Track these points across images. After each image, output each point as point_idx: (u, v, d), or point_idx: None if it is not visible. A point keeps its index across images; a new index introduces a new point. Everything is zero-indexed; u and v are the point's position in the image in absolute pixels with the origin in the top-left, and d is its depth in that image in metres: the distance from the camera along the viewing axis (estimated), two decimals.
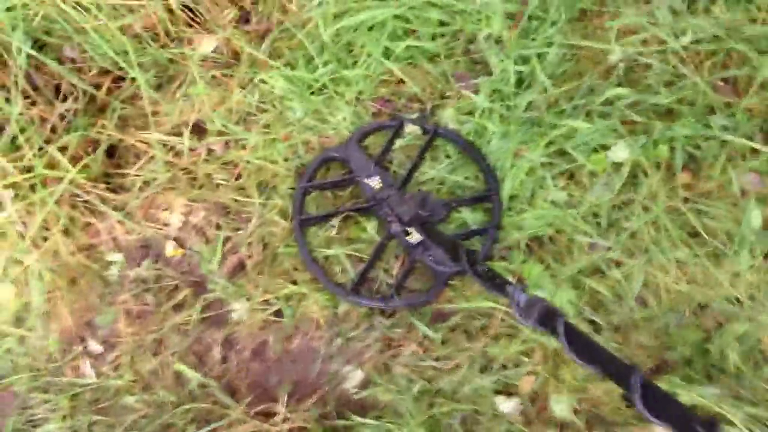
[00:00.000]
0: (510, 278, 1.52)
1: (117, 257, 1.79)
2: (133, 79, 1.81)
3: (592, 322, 1.66)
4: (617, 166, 1.74)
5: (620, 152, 1.76)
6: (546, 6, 1.89)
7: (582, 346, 1.18)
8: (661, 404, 1.03)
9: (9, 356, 1.72)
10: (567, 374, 1.64)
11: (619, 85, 1.80)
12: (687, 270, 1.67)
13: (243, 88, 1.88)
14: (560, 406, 1.64)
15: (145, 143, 1.82)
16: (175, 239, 1.82)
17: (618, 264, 1.70)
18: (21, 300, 1.70)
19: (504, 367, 1.66)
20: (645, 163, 1.73)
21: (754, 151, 1.73)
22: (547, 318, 1.23)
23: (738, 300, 1.64)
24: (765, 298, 1.64)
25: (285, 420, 1.63)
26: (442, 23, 1.90)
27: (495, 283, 1.42)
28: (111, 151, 1.86)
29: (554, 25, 1.86)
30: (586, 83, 1.80)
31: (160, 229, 1.81)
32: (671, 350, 1.65)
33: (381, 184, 1.78)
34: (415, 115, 1.88)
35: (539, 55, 1.84)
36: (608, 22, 1.83)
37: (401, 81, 1.89)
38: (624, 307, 1.66)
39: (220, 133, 1.87)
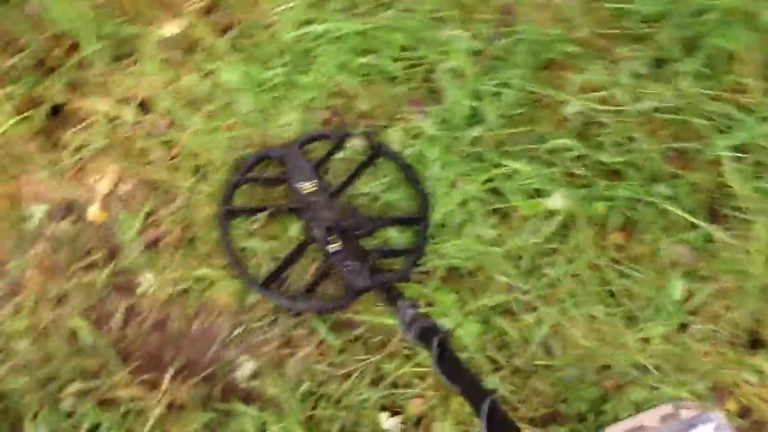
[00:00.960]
0: (418, 301, 2.01)
1: (39, 210, 2.24)
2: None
3: (492, 360, 2.03)
4: (551, 213, 2.16)
5: (557, 201, 2.15)
6: (513, 50, 2.37)
7: (450, 365, 1.56)
8: (502, 428, 1.38)
9: None
10: (456, 404, 2.06)
11: (569, 137, 2.27)
12: (598, 327, 2.04)
13: (196, 74, 2.39)
14: None
15: (90, 109, 2.33)
16: (99, 204, 2.27)
17: (531, 308, 2.08)
18: None
19: (394, 385, 2.02)
20: (579, 216, 2.14)
21: (692, 225, 2.15)
22: (427, 334, 1.62)
23: (644, 367, 2.01)
24: (670, 370, 1.99)
25: (166, 393, 2.00)
26: (405, 48, 2.42)
27: (390, 295, 1.85)
28: (56, 111, 2.36)
29: (517, 68, 2.34)
30: (536, 129, 2.26)
31: (87, 192, 2.28)
32: (566, 403, 2.01)
33: (313, 189, 2.24)
34: (361, 131, 2.36)
35: (495, 94, 2.32)
36: (571, 75, 2.36)
37: (355, 95, 2.40)
38: (528, 351, 2.03)
39: (165, 113, 2.36)
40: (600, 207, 2.21)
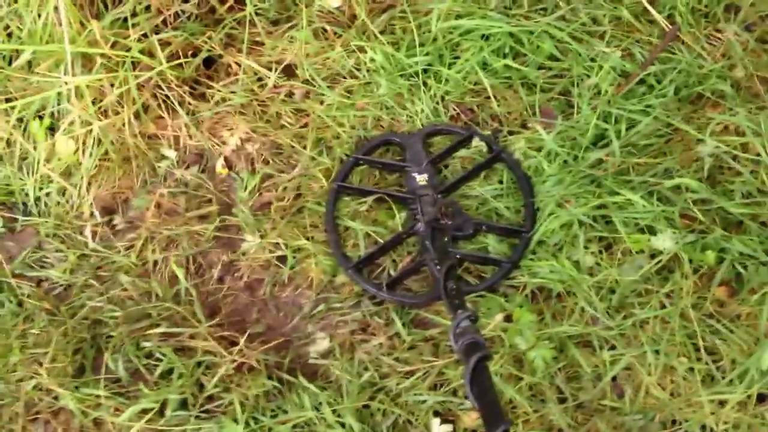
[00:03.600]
0: (477, 314, 2.18)
1: (172, 154, 2.60)
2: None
3: (559, 390, 2.18)
4: (657, 253, 2.28)
5: (666, 241, 2.24)
6: (663, 78, 2.51)
7: (480, 384, 1.69)
8: None
9: (47, 200, 2.57)
10: (511, 429, 2.30)
11: (697, 178, 2.36)
12: (675, 380, 2.12)
13: (344, 49, 2.67)
14: None
15: (238, 65, 2.66)
16: (226, 159, 2.60)
17: (611, 346, 2.20)
18: (76, 157, 2.52)
19: (454, 393, 2.22)
20: (686, 262, 2.26)
21: None
22: (470, 349, 1.76)
23: (712, 430, 2.10)
24: None
25: (240, 352, 2.28)
26: (552, 57, 2.59)
27: (453, 303, 1.99)
28: (209, 63, 2.70)
29: (662, 97, 2.47)
30: (664, 164, 2.36)
31: (218, 145, 2.61)
32: None
33: (425, 182, 2.47)
34: (487, 133, 2.57)
35: (630, 120, 2.46)
36: (715, 115, 2.45)
37: (490, 96, 2.59)
38: (597, 388, 2.16)
39: (306, 82, 2.65)
40: (710, 256, 2.27)
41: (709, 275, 2.28)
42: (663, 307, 2.26)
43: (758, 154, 2.34)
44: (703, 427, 2.14)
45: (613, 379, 2.21)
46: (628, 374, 2.22)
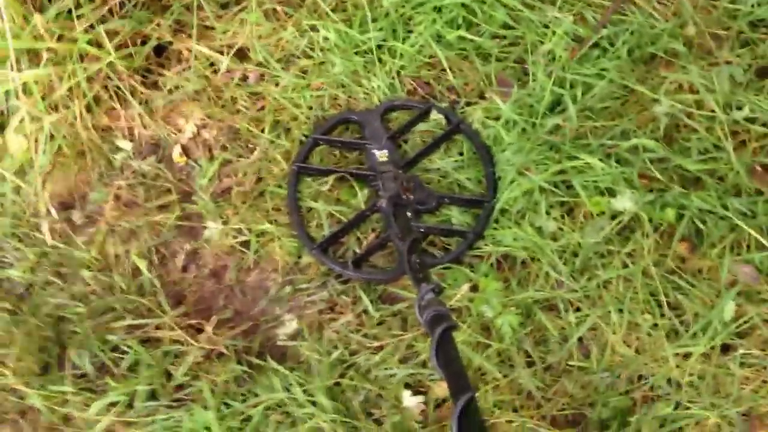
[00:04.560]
0: (441, 285, 2.25)
1: (127, 146, 2.65)
2: None
3: (527, 354, 2.27)
4: (617, 214, 2.36)
5: (626, 202, 2.32)
6: (616, 40, 2.59)
7: (446, 354, 1.75)
8: (471, 429, 1.54)
9: (1, 199, 2.61)
10: (480, 395, 2.40)
11: (654, 137, 2.44)
12: (640, 336, 2.22)
13: (296, 29, 2.74)
14: None
15: (189, 51, 2.70)
16: (183, 147, 2.66)
17: (575, 308, 2.29)
18: (28, 155, 2.56)
19: (423, 365, 2.29)
20: (645, 220, 2.33)
21: (763, 246, 2.28)
22: (435, 321, 1.82)
23: (678, 384, 2.20)
24: (705, 390, 2.17)
25: (208, 340, 2.35)
26: (505, 25, 2.65)
27: (417, 276, 2.07)
28: (159, 50, 2.74)
29: (616, 60, 2.54)
30: (620, 126, 2.43)
31: (174, 133, 2.66)
32: (592, 407, 2.22)
33: (385, 158, 2.55)
34: (445, 105, 2.64)
35: (585, 84, 2.53)
36: (668, 74, 2.52)
37: (445, 69, 2.67)
38: (564, 350, 2.25)
39: (259, 64, 2.70)
40: (670, 214, 2.37)
41: (669, 233, 2.38)
42: (625, 266, 2.35)
43: (713, 111, 2.43)
44: (669, 380, 2.25)
45: (580, 339, 2.31)
46: (593, 334, 2.32)
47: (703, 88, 2.44)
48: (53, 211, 2.64)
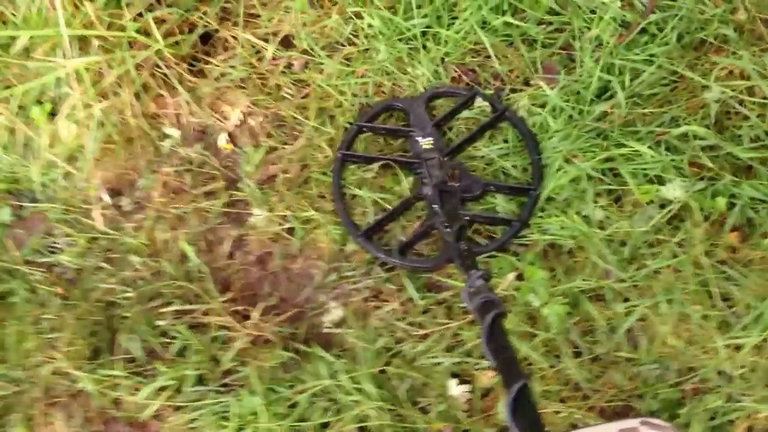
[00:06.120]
0: (489, 272, 2.22)
1: (175, 133, 2.67)
2: None
3: (574, 345, 2.25)
4: (666, 203, 2.33)
5: (674, 191, 2.30)
6: (664, 25, 2.54)
7: (497, 341, 1.76)
8: (524, 416, 1.55)
9: (53, 185, 2.64)
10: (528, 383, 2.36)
11: (704, 125, 2.41)
12: (689, 328, 2.19)
13: (340, 16, 2.71)
14: None
15: (235, 39, 2.70)
16: (229, 134, 2.68)
17: (623, 298, 2.26)
18: (79, 141, 2.59)
19: (469, 354, 2.28)
20: (696, 209, 2.30)
21: None
22: (485, 308, 1.82)
23: (729, 376, 2.16)
24: (756, 383, 2.12)
25: (255, 326, 2.36)
26: (552, 11, 2.63)
27: (465, 263, 2.07)
28: (206, 38, 2.76)
29: (664, 45, 2.51)
30: (670, 113, 2.41)
31: (220, 121, 2.68)
32: (640, 399, 2.23)
33: (430, 145, 2.53)
34: (490, 92, 2.61)
35: (634, 70, 2.50)
36: (719, 60, 2.48)
37: (490, 56, 2.62)
38: (612, 341, 2.23)
39: (304, 52, 2.71)
40: (721, 203, 2.34)
41: (720, 222, 2.34)
42: (675, 256, 2.31)
43: (765, 97, 2.39)
44: (720, 372, 2.20)
45: (628, 330, 2.27)
46: (642, 325, 2.28)
47: (755, 74, 2.39)
48: (105, 197, 2.67)
